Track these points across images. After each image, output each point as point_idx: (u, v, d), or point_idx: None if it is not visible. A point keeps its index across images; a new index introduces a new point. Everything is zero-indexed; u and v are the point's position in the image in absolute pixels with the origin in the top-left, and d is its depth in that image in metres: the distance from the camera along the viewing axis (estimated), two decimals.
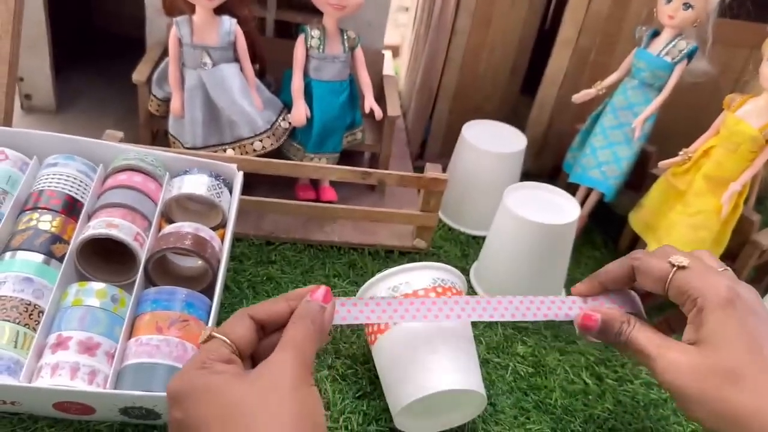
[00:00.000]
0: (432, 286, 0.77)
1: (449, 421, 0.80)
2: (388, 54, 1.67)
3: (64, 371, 0.72)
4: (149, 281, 0.86)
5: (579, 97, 1.13)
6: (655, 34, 1.08)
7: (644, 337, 0.64)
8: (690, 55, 1.05)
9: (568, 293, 0.76)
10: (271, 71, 1.18)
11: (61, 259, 0.82)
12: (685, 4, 1.01)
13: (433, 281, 0.78)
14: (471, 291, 1.07)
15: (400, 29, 1.94)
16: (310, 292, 0.62)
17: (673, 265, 0.63)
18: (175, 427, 0.54)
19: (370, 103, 1.13)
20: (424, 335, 0.74)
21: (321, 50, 1.08)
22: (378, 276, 0.79)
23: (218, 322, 0.90)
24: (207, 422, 0.51)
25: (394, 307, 0.70)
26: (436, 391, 0.72)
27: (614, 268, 0.72)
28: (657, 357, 0.61)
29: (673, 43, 1.05)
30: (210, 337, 0.60)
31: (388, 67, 1.54)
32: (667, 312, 0.73)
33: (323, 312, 0.60)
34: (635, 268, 0.68)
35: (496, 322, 0.98)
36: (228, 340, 0.59)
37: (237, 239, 1.05)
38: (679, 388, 0.58)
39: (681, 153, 1.03)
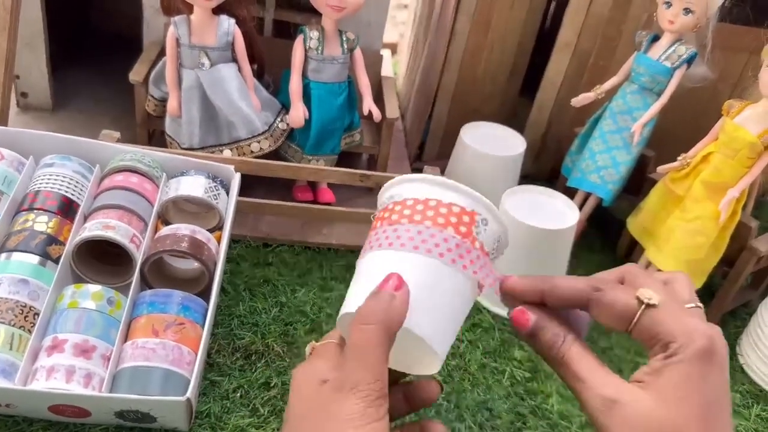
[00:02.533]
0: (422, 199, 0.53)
1: (400, 360, 0.54)
2: (387, 54, 1.67)
3: (60, 374, 0.71)
4: (145, 283, 0.86)
5: (578, 100, 1.13)
6: (655, 38, 1.08)
7: (585, 362, 0.51)
8: (689, 60, 1.05)
9: None
10: (269, 71, 1.17)
11: (57, 261, 0.82)
12: (685, 9, 1.01)
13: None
14: None
15: (398, 27, 1.93)
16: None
17: (641, 302, 0.50)
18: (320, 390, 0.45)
19: (368, 104, 1.12)
20: (404, 258, 0.51)
21: (320, 51, 1.07)
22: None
23: (214, 325, 0.90)
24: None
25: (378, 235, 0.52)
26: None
27: (569, 291, 0.54)
28: (596, 392, 0.49)
29: (673, 48, 1.05)
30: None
31: (387, 67, 1.54)
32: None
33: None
34: (593, 300, 0.52)
35: (494, 327, 0.98)
36: None
37: (234, 241, 1.05)
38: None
39: (680, 158, 1.03)
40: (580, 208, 1.14)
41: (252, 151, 1.07)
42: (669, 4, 1.02)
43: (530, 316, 0.53)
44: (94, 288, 0.79)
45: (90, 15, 1.54)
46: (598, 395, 0.49)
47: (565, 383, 0.52)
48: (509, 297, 0.53)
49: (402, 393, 0.52)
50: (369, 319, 0.45)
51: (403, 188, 0.53)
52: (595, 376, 0.50)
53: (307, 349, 0.52)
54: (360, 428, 0.41)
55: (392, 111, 1.17)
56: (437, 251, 0.49)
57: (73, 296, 0.77)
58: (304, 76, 1.09)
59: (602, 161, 1.12)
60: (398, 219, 0.50)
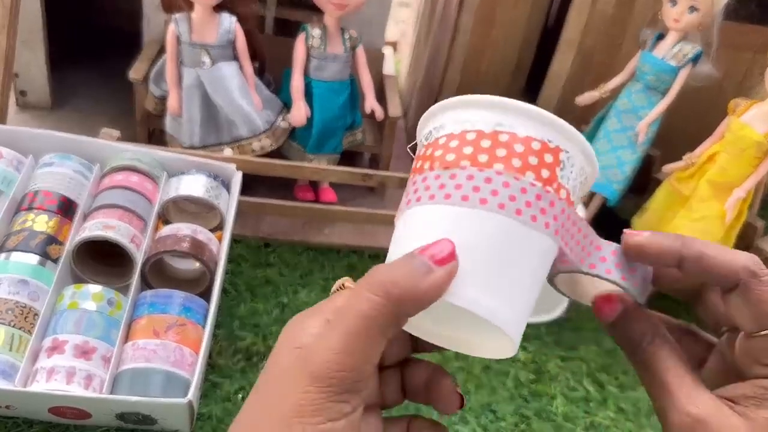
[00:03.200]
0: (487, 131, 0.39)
1: (463, 343, 0.41)
2: (389, 51, 1.66)
3: (60, 375, 0.70)
4: (146, 284, 0.85)
5: (583, 99, 1.12)
6: (660, 37, 1.07)
7: (674, 369, 0.40)
8: (695, 59, 1.04)
9: (571, 302, 0.66)
10: (270, 69, 1.16)
11: (56, 261, 0.81)
12: (690, 7, 1.00)
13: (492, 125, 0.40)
14: None
15: (400, 25, 1.92)
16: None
17: None
18: None
19: (371, 103, 1.11)
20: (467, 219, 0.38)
21: (322, 49, 1.07)
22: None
23: (216, 326, 0.89)
24: None
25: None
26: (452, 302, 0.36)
27: (722, 266, 0.37)
28: (681, 406, 0.38)
29: (678, 46, 1.04)
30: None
31: (389, 65, 1.53)
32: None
33: None
34: (746, 287, 0.37)
35: None
36: None
37: (235, 240, 1.04)
38: None
39: (685, 157, 1.02)
40: (585, 207, 1.14)
41: (253, 150, 1.06)
42: (674, 3, 1.01)
43: (617, 307, 0.41)
44: (94, 288, 0.78)
45: (90, 12, 1.53)
46: (683, 410, 0.39)
47: (644, 387, 0.41)
48: (632, 257, 0.39)
49: (413, 378, 0.39)
50: (377, 286, 0.31)
51: (459, 115, 0.37)
52: (683, 387, 0.40)
53: (333, 287, 0.38)
54: (307, 426, 0.29)
55: (395, 109, 1.16)
56: (513, 207, 0.34)
57: (73, 297, 0.77)
58: (306, 74, 1.08)
59: (607, 161, 1.11)
60: (456, 160, 0.35)
